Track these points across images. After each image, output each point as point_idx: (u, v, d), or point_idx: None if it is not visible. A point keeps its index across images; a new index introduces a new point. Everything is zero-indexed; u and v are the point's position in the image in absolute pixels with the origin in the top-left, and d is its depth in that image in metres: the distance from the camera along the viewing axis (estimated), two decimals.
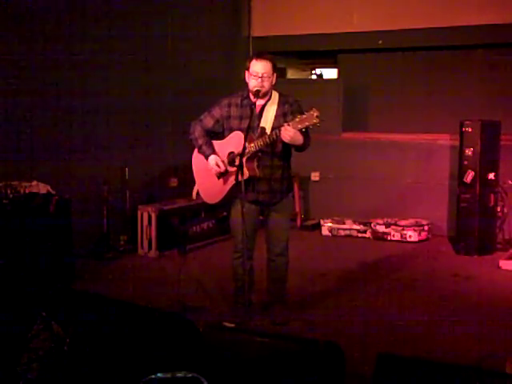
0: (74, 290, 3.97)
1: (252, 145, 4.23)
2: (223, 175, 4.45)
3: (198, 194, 4.66)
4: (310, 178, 8.16)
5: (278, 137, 4.17)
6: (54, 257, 5.24)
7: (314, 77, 10.09)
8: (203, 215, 7.02)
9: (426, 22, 7.48)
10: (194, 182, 4.68)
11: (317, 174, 8.13)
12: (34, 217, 5.15)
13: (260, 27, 8.48)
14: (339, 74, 8.88)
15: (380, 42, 7.85)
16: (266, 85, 4.31)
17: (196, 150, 4.58)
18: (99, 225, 6.43)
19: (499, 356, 3.75)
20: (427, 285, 5.63)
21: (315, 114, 4.04)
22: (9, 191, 5.12)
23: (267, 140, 4.22)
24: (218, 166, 4.40)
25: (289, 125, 4.11)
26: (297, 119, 4.10)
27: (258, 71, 4.27)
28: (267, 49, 8.35)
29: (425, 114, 7.85)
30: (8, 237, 4.95)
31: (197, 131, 4.51)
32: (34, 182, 5.32)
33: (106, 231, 6.48)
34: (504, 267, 6.08)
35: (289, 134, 4.10)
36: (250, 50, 8.48)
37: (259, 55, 4.36)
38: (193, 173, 4.68)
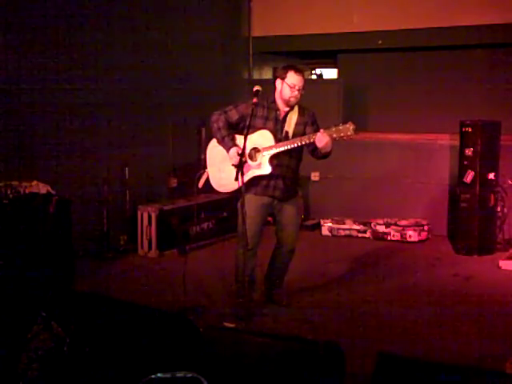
0: (74, 291, 3.97)
1: (283, 144, 4.48)
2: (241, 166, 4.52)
3: (205, 182, 4.74)
4: (310, 177, 8.15)
5: (311, 141, 4.41)
6: (54, 257, 5.24)
7: (314, 77, 10.09)
8: (203, 215, 7.01)
9: (426, 22, 7.48)
10: (200, 175, 4.76)
11: (317, 174, 8.13)
12: (33, 217, 5.15)
13: (260, 27, 8.48)
14: (339, 73, 8.89)
15: (380, 42, 7.86)
16: (299, 97, 4.61)
17: (214, 140, 4.73)
18: (99, 225, 6.43)
19: (499, 356, 3.75)
20: (427, 285, 5.63)
21: (351, 128, 4.32)
22: (9, 191, 5.11)
23: (299, 143, 4.47)
24: (237, 157, 4.48)
25: (325, 131, 4.36)
26: (333, 129, 4.36)
27: (297, 84, 4.56)
28: (267, 49, 8.43)
29: (425, 114, 7.85)
30: (8, 237, 4.95)
31: (221, 121, 4.65)
32: (34, 182, 5.32)
33: (106, 231, 6.47)
34: (504, 267, 6.08)
35: (324, 140, 4.36)
36: (250, 49, 8.49)
37: (298, 69, 4.65)
38: (206, 161, 4.85)
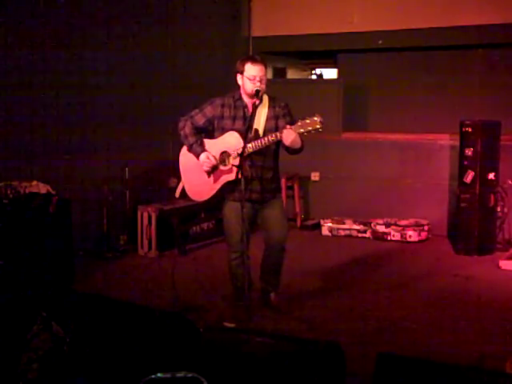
0: (74, 291, 3.97)
1: (250, 145, 4.29)
2: (213, 172, 4.48)
3: (182, 191, 4.68)
4: (310, 178, 8.16)
5: (279, 139, 4.24)
6: (54, 257, 5.24)
7: (314, 77, 10.08)
8: (203, 215, 7.02)
9: (426, 22, 7.47)
10: (175, 183, 4.69)
11: (317, 174, 8.13)
12: (33, 217, 5.14)
13: (260, 27, 8.47)
14: (339, 73, 8.88)
15: (380, 41, 7.85)
16: (263, 86, 4.41)
17: (185, 148, 4.60)
18: (99, 225, 6.43)
19: (499, 356, 3.75)
20: (427, 285, 5.63)
21: (318, 120, 4.14)
22: (9, 191, 5.12)
23: (267, 141, 4.29)
24: (210, 160, 4.43)
25: (291, 128, 4.18)
26: (299, 123, 4.19)
27: (256, 74, 4.36)
28: (267, 49, 8.42)
29: (425, 114, 7.85)
30: (8, 237, 4.95)
31: (187, 128, 4.53)
32: (34, 182, 5.32)
33: (106, 231, 6.48)
34: (504, 267, 6.08)
35: (291, 136, 4.19)
36: (250, 50, 8.48)
37: (254, 59, 4.44)
38: (179, 170, 4.70)
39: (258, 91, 4.34)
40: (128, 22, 6.77)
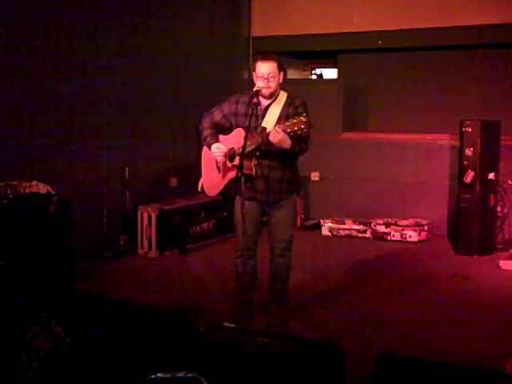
0: (74, 290, 3.97)
1: (249, 143, 4.23)
2: (223, 167, 4.48)
3: (202, 186, 4.70)
4: (310, 177, 8.16)
5: (267, 138, 4.18)
6: (54, 257, 5.24)
7: (314, 77, 10.09)
8: (203, 215, 7.02)
9: (426, 22, 7.48)
10: (198, 178, 4.71)
11: (317, 174, 8.13)
12: (33, 217, 5.15)
13: (260, 27, 8.48)
14: (339, 74, 8.88)
15: (380, 42, 7.85)
16: (272, 85, 4.35)
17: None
18: (99, 225, 6.43)
19: (499, 356, 3.75)
20: (427, 285, 5.63)
21: (303, 120, 4.06)
22: (9, 191, 5.12)
23: (260, 140, 4.24)
24: (221, 149, 4.41)
25: (279, 127, 4.13)
26: (287, 123, 4.12)
27: (263, 72, 4.31)
28: (267, 49, 8.42)
29: (425, 114, 7.85)
30: (8, 237, 4.95)
31: (205, 122, 4.58)
32: (34, 182, 5.32)
33: (106, 231, 6.48)
34: (504, 267, 6.08)
35: (277, 136, 4.10)
36: (250, 50, 8.49)
37: (263, 56, 4.38)
38: (201, 166, 4.74)
39: (257, 91, 4.31)
40: (128, 21, 6.77)
